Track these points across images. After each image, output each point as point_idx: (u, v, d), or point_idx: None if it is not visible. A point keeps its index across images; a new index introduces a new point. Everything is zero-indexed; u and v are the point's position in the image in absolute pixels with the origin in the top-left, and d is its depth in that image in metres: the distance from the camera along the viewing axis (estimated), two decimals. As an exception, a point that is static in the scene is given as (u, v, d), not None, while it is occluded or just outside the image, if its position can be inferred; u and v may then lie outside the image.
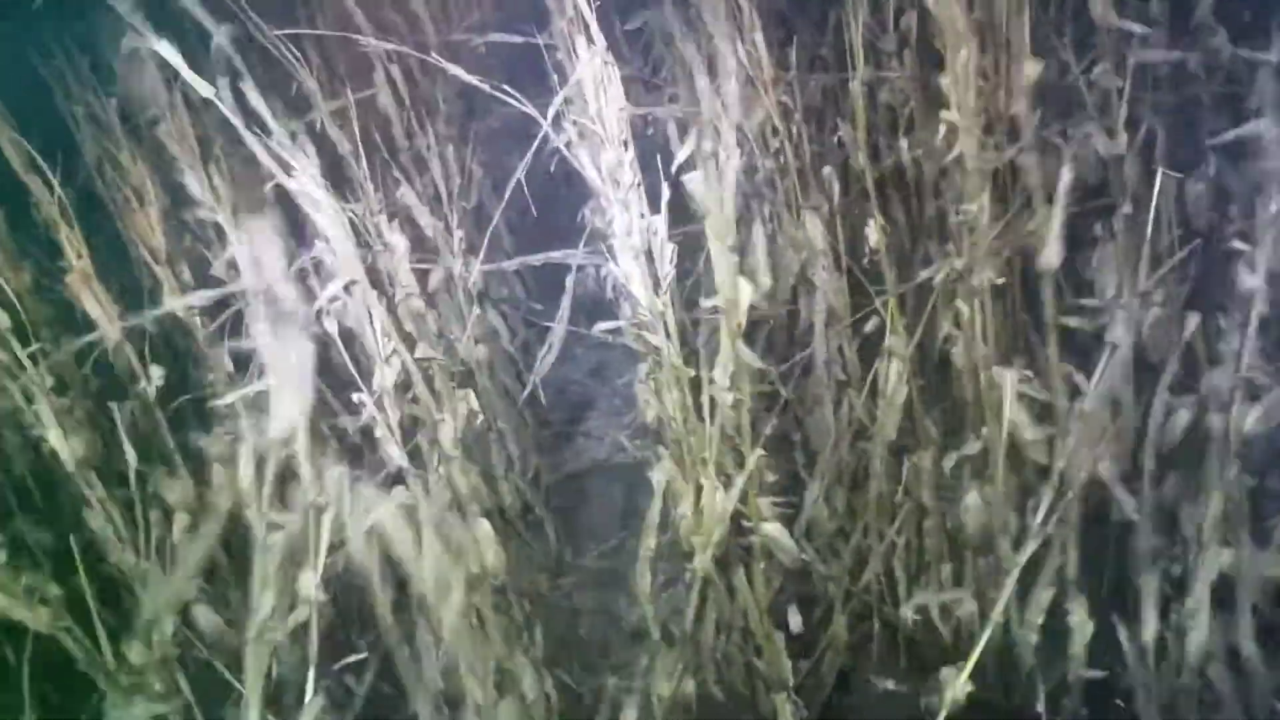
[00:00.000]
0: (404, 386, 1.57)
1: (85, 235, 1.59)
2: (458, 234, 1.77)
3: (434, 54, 2.65)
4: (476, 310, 1.76)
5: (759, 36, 1.64)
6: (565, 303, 1.69)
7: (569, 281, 1.68)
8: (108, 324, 1.25)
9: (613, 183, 1.46)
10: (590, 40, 1.48)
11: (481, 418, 1.42)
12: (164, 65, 1.87)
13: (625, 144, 1.47)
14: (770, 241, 2.04)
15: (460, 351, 1.81)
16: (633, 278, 1.51)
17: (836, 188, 1.57)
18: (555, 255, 2.03)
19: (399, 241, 1.45)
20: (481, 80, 1.34)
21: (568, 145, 1.65)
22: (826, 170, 1.58)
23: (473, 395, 1.42)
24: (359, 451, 1.66)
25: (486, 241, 2.89)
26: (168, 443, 1.45)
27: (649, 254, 1.79)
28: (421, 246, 1.89)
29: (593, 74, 1.48)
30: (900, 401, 1.36)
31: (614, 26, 3.38)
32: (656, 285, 1.50)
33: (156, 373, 1.29)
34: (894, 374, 1.36)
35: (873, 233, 1.44)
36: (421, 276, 1.89)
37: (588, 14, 1.56)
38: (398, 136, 2.05)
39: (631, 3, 3.48)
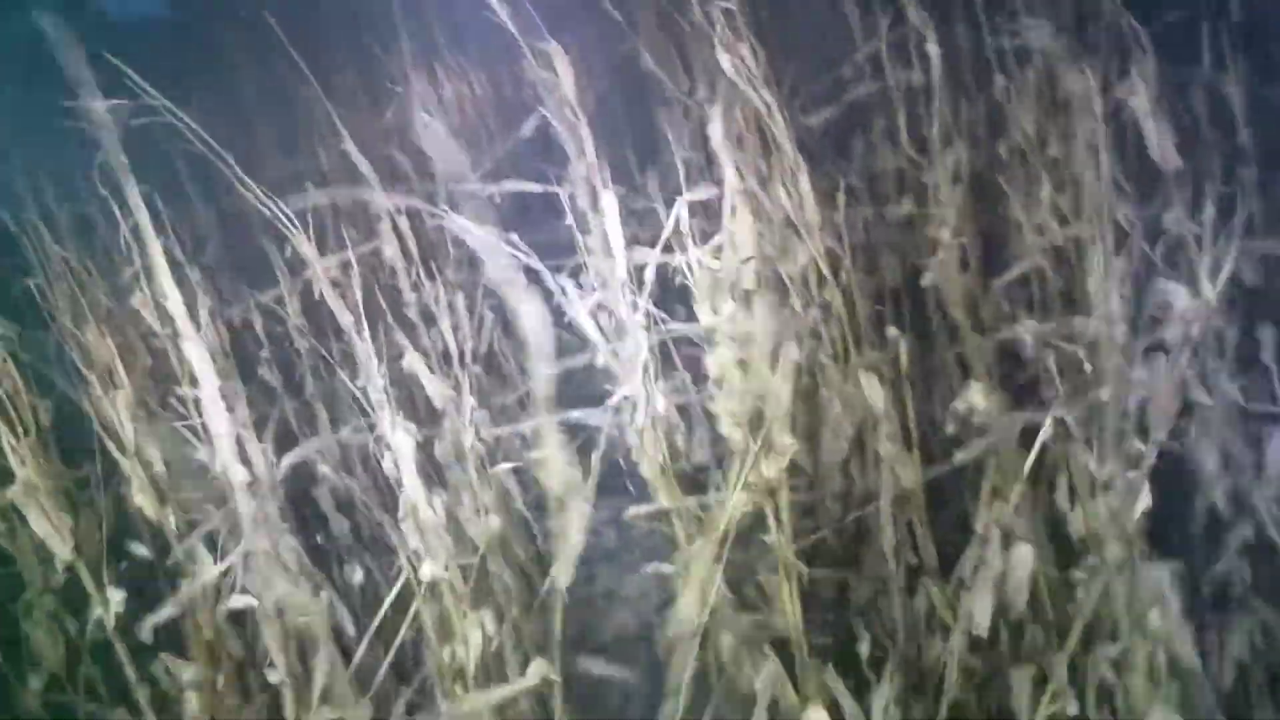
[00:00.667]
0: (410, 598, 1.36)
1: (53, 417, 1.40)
2: (468, 401, 1.58)
3: (443, 198, 2.53)
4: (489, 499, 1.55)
5: (804, 179, 1.47)
6: (590, 483, 1.48)
7: (594, 459, 1.47)
8: (59, 544, 1.04)
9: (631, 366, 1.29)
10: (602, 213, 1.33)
11: (497, 641, 1.20)
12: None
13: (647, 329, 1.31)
14: (808, 399, 1.85)
15: (469, 530, 1.60)
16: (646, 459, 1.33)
17: (903, 348, 1.37)
18: (574, 414, 1.83)
19: (405, 443, 1.25)
20: (501, 234, 1.17)
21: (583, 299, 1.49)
22: (892, 333, 1.39)
23: (488, 617, 1.21)
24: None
25: (496, 389, 2.72)
26: (129, 677, 1.22)
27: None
28: (429, 416, 1.70)
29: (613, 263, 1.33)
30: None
31: (625, 153, 3.29)
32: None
33: (116, 596, 1.08)
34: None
35: (976, 395, 1.23)
36: (427, 442, 1.70)
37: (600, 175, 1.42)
38: (404, 289, 1.88)
39: (647, 135, 3.40)
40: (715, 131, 1.45)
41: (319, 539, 2.19)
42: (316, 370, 2.18)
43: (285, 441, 2.03)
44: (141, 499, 1.30)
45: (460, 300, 2.22)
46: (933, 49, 1.75)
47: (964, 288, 1.67)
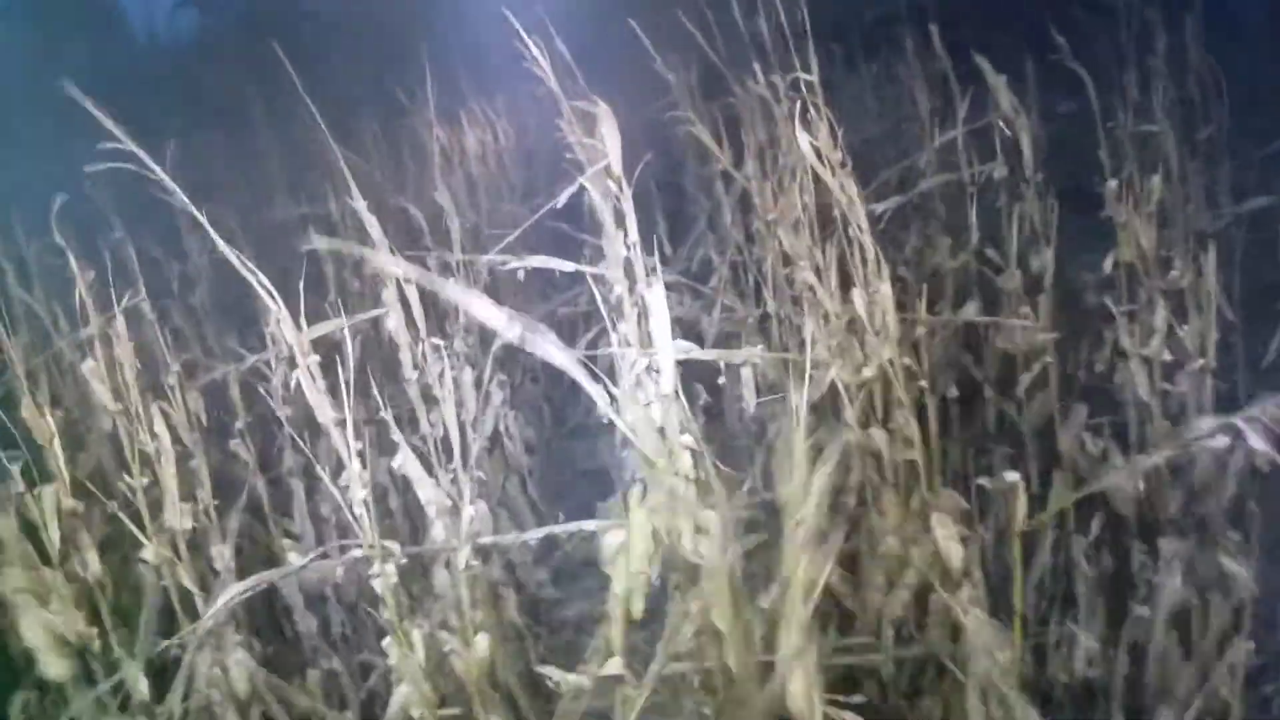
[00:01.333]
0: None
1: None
2: (468, 512, 1.34)
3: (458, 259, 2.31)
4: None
5: (885, 281, 1.26)
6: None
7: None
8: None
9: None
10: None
11: None
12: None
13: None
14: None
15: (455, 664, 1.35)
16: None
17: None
18: (589, 525, 1.60)
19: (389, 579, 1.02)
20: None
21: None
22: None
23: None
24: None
25: (499, 470, 2.47)
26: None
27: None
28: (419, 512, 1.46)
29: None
30: None
31: (655, 222, 3.09)
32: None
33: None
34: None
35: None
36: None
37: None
38: (405, 365, 1.65)
39: (679, 204, 3.21)
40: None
41: (284, 631, 1.94)
42: (297, 442, 1.95)
43: (252, 532, 1.79)
44: (63, 620, 1.06)
45: (468, 375, 2.00)
46: (1025, 140, 1.55)
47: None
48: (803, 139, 1.17)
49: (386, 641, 1.08)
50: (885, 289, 1.23)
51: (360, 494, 1.07)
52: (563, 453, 3.00)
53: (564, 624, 2.47)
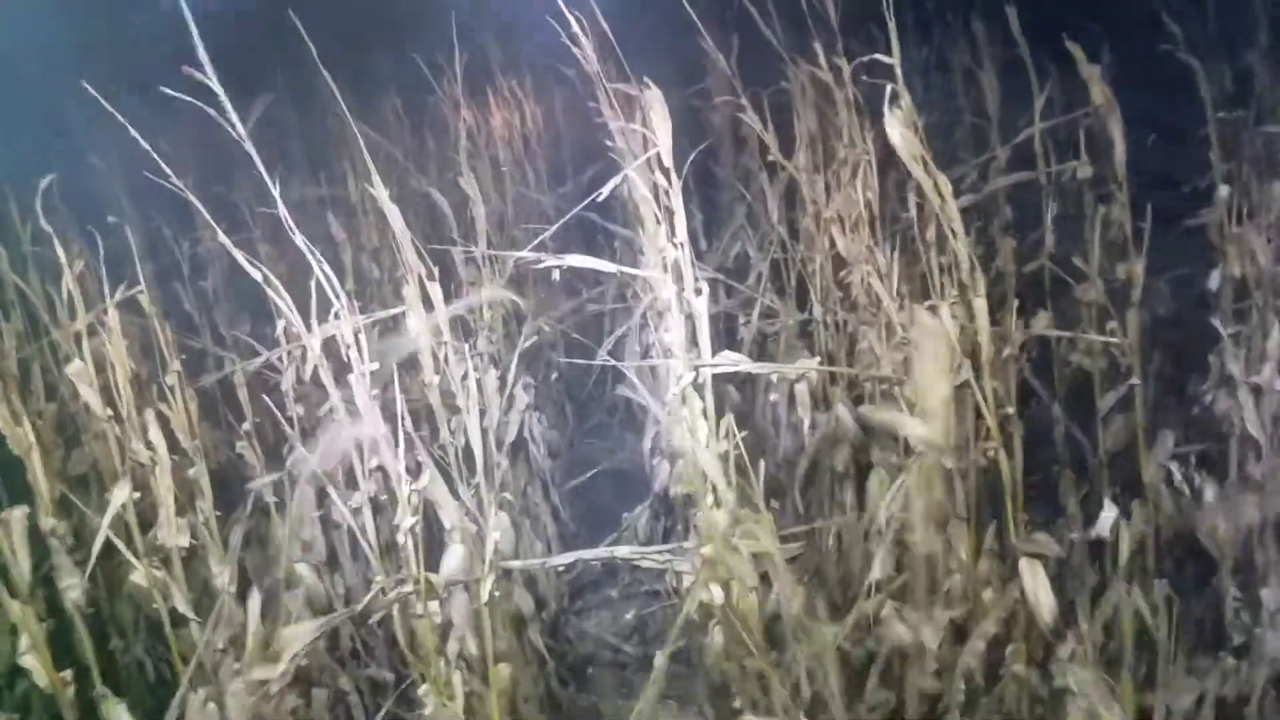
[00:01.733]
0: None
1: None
2: (492, 536, 1.21)
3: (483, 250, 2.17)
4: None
5: (980, 301, 1.11)
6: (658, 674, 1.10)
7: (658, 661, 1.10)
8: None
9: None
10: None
11: None
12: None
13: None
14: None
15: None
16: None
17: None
18: (621, 552, 1.47)
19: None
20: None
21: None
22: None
23: None
24: None
25: (523, 475, 2.34)
26: None
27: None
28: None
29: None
30: None
31: (691, 214, 2.94)
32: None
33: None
34: None
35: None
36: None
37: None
38: (426, 369, 1.52)
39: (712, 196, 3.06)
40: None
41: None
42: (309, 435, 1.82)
43: (261, 541, 1.67)
44: (32, 661, 0.93)
45: (491, 378, 1.86)
46: (1117, 136, 1.40)
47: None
48: (892, 129, 1.03)
49: (424, 690, 0.95)
50: (980, 303, 1.08)
51: (409, 521, 0.94)
52: (585, 453, 2.86)
53: (584, 636, 2.34)
